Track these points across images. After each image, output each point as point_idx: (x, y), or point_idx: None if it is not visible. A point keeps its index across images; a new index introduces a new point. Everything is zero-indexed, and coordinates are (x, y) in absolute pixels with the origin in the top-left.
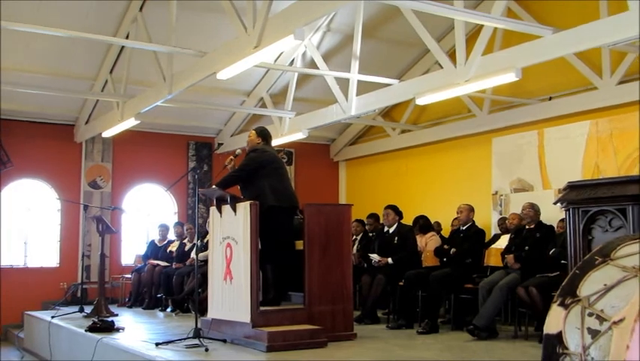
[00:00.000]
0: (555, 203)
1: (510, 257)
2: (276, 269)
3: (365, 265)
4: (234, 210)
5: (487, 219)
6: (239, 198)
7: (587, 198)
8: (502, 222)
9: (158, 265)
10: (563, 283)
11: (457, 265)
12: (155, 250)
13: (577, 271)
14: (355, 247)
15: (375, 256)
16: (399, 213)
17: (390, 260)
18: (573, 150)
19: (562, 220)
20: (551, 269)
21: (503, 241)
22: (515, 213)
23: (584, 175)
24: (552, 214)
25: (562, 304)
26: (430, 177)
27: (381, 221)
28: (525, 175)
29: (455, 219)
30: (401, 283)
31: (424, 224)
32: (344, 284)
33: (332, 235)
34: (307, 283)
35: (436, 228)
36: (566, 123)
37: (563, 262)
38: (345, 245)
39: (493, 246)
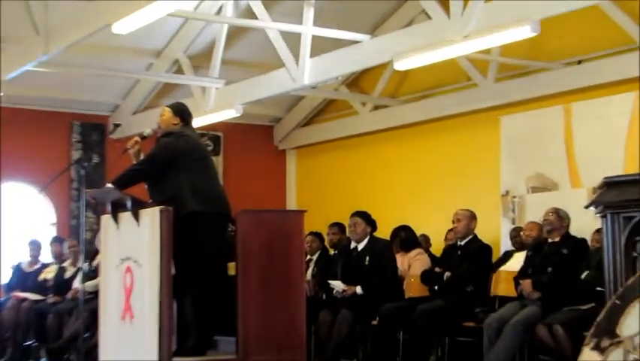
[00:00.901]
0: (587, 207)
1: (527, 283)
2: (198, 304)
3: (324, 296)
4: (137, 218)
5: (495, 231)
6: (144, 203)
7: (632, 199)
8: (515, 234)
9: (26, 298)
10: (599, 319)
11: (452, 294)
12: (23, 278)
13: (617, 302)
14: (310, 271)
15: (338, 284)
16: (371, 223)
17: (358, 289)
18: (612, 134)
19: (598, 231)
20: (583, 299)
21: (517, 261)
22: (534, 221)
23: (626, 168)
24: (584, 223)
25: (597, 348)
26: (415, 172)
27: (346, 234)
28: (547, 169)
29: (450, 230)
30: (375, 322)
31: (406, 238)
32: (294, 324)
33: (277, 254)
34: (242, 324)
35: (424, 243)
36: (602, 96)
37: (599, 289)
38: (295, 268)
39: (503, 268)
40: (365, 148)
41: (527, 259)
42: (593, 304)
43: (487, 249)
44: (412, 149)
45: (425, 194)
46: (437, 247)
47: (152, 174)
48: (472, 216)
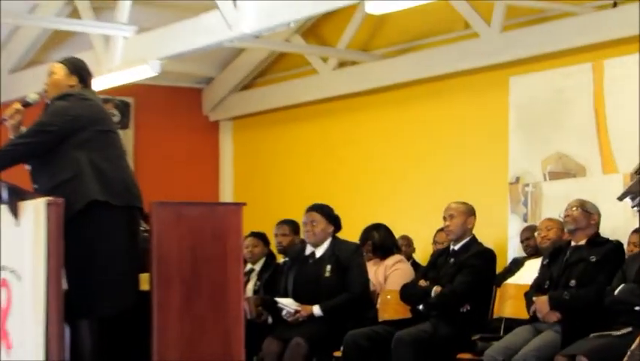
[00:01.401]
0: (621, 198)
1: (542, 301)
2: (98, 330)
3: (270, 319)
4: (15, 214)
5: (501, 231)
6: (26, 192)
7: None
8: (527, 235)
9: None
10: (633, 347)
11: (443, 317)
12: None
13: None
14: (251, 285)
15: (288, 303)
16: (334, 221)
17: (316, 310)
18: None
19: (637, 231)
20: (617, 322)
21: (530, 272)
22: (552, 219)
23: None
24: (619, 221)
25: None
26: (394, 153)
27: (300, 235)
28: (570, 147)
29: (440, 231)
30: (338, 353)
31: (381, 241)
32: (228, 357)
33: (205, 262)
34: (158, 356)
35: (405, 248)
36: None
37: (637, 308)
38: (230, 282)
39: (510, 280)
40: (327, 119)
41: (543, 268)
42: (629, 329)
43: (488, 255)
44: (389, 121)
45: (407, 182)
46: (423, 252)
47: (41, 151)
48: (470, 212)
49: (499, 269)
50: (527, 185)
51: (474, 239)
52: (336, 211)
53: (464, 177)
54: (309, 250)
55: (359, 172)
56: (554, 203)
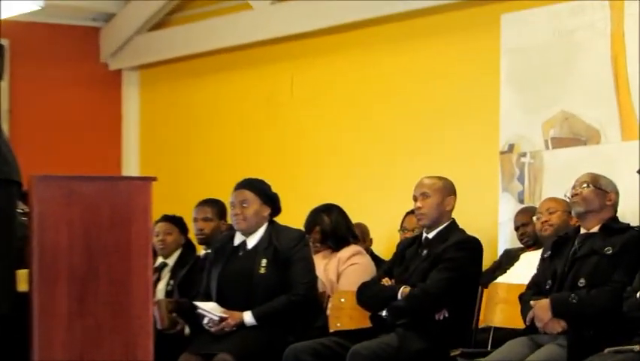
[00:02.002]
0: None
1: (543, 305)
2: None
3: (186, 329)
4: None
5: (489, 215)
6: None
7: None
8: (524, 220)
9: None
10: None
11: (413, 325)
12: None
13: None
14: (163, 284)
15: (211, 308)
16: (271, 202)
17: (247, 317)
18: None
19: None
20: (637, 333)
21: (526, 266)
22: (556, 198)
23: None
24: None
25: None
26: (350, 112)
27: (227, 220)
28: (579, 106)
29: (410, 214)
30: None
31: (333, 228)
32: None
33: (102, 253)
34: None
35: (361, 236)
36: None
37: None
38: (135, 281)
39: (501, 278)
40: (262, 68)
41: (544, 263)
42: None
43: (473, 246)
44: (345, 71)
45: (367, 151)
46: (386, 242)
47: None
48: (448, 190)
49: (486, 264)
50: (524, 155)
51: (454, 225)
52: (274, 189)
53: (442, 145)
54: (238, 239)
55: (304, 138)
56: (558, 178)
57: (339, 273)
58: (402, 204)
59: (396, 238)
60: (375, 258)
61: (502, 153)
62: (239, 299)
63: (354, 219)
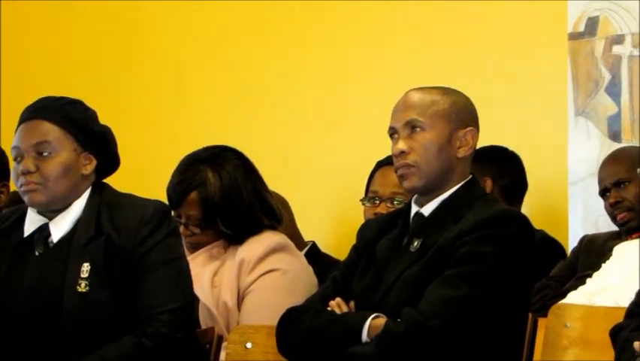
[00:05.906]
0: None
1: None
2: None
3: None
4: None
5: (550, 165)
6: None
7: None
8: (620, 175)
9: None
10: None
11: None
12: None
13: None
14: None
15: None
16: (97, 140)
17: None
18: None
19: None
20: None
21: (626, 273)
22: None
23: None
24: None
25: None
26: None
27: (11, 185)
28: None
29: (383, 167)
30: None
31: (226, 195)
32: None
33: None
34: None
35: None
36: None
37: None
38: None
39: (574, 294)
40: None
41: None
42: None
43: (514, 230)
44: None
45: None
46: (336, 225)
47: None
48: (462, 115)
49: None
50: (620, 42)
51: (473, 187)
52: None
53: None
54: (32, 223)
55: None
56: None
57: (244, 290)
58: (368, 152)
59: (357, 217)
60: (314, 256)
61: (570, 37)
62: (29, 345)
63: (272, 185)
